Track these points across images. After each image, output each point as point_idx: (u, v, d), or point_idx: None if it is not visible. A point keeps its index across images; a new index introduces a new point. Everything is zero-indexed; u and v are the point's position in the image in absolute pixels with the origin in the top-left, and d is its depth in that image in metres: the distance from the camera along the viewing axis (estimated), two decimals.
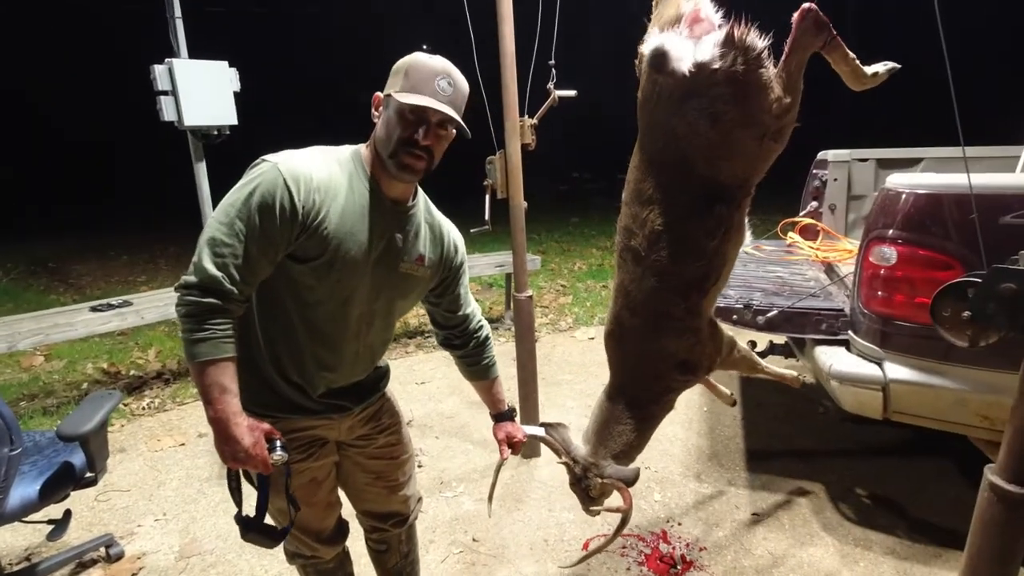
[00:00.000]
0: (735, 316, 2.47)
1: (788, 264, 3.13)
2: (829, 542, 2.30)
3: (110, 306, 3.40)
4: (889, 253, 2.08)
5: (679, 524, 2.44)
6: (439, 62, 1.28)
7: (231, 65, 3.53)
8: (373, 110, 1.32)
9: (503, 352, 4.39)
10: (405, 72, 1.25)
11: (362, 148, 1.33)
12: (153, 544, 2.37)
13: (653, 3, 1.53)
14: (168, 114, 3.32)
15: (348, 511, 1.67)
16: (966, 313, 1.21)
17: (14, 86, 11.93)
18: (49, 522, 1.91)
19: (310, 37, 14.36)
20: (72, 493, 1.92)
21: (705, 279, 1.54)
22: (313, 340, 1.33)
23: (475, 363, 1.67)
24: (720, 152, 1.40)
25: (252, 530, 1.28)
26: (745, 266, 3.09)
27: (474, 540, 2.37)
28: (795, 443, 3.02)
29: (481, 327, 1.66)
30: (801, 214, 3.55)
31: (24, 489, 1.77)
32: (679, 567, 2.20)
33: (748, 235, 1.66)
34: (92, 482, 1.91)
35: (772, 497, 2.60)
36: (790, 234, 3.51)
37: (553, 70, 2.65)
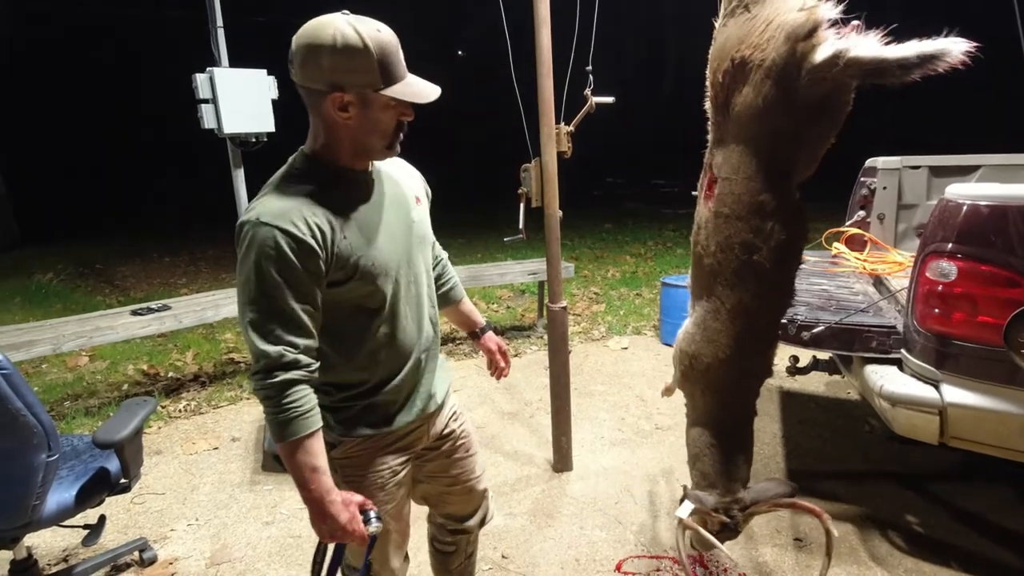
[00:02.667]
0: (779, 331, 2.36)
1: (833, 277, 2.99)
2: (878, 573, 2.17)
3: (149, 310, 3.48)
4: (948, 268, 1.95)
5: None
6: (389, 34, 1.14)
7: (269, 73, 3.58)
8: (338, 110, 1.13)
9: (535, 360, 4.35)
10: (378, 62, 1.11)
11: (306, 150, 1.22)
12: (185, 549, 2.38)
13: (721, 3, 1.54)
14: (208, 122, 3.38)
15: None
16: None
17: (59, 95, 12.43)
18: (85, 527, 1.93)
19: None
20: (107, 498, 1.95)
21: (792, 291, 1.69)
22: (390, 335, 1.30)
23: (444, 285, 1.66)
24: (814, 152, 1.51)
25: None
26: None
27: (503, 557, 2.32)
28: (840, 464, 2.87)
29: (441, 251, 1.64)
30: (847, 224, 3.40)
31: (61, 494, 1.80)
32: None
33: None
34: (126, 488, 1.93)
35: (815, 522, 2.46)
36: (835, 244, 3.36)
37: (591, 76, 2.59)
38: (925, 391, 2.00)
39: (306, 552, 2.17)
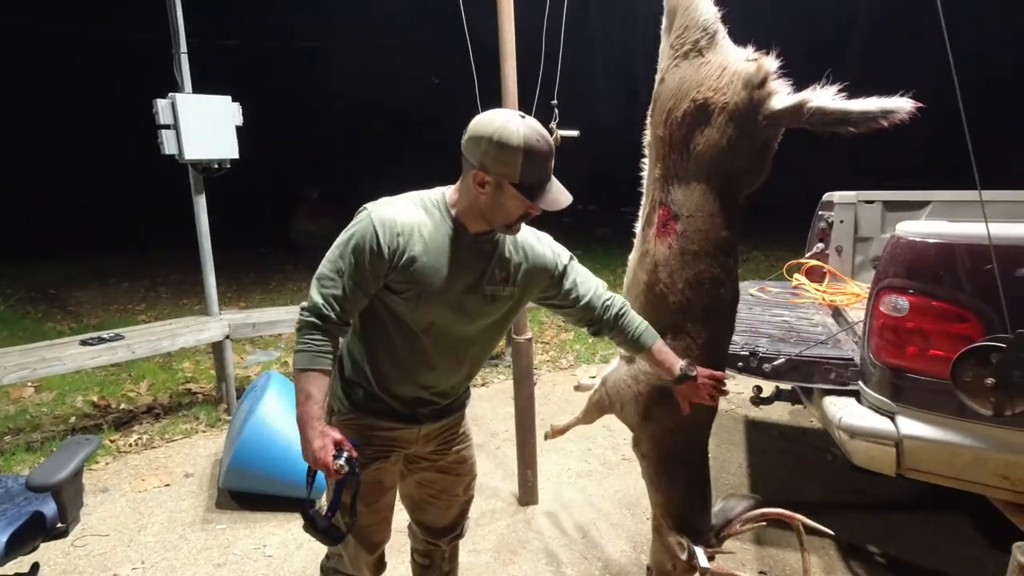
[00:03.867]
0: (740, 364, 2.39)
1: (794, 308, 3.05)
2: None
3: (100, 340, 3.33)
4: (901, 303, 2.00)
5: None
6: (544, 143, 1.34)
7: (235, 100, 3.54)
8: (476, 184, 1.35)
9: (502, 390, 4.31)
10: (523, 161, 1.30)
11: (448, 192, 1.46)
12: None
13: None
14: (169, 147, 3.32)
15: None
16: (990, 380, 1.13)
17: (18, 114, 12.06)
18: None
19: (320, 69, 14.55)
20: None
21: None
22: (413, 358, 1.49)
23: (625, 336, 1.65)
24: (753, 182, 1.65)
25: (313, 525, 1.41)
26: (751, 309, 3.01)
27: None
28: (804, 494, 2.89)
29: (609, 303, 1.65)
30: (807, 255, 3.49)
31: None
32: None
33: None
34: (63, 533, 1.81)
35: (779, 553, 2.47)
36: (796, 276, 3.44)
37: (556, 110, 2.62)
38: (882, 423, 2.03)
39: None
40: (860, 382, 2.18)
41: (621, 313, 1.64)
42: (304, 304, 1.39)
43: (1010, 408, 1.14)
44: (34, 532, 1.78)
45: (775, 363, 2.33)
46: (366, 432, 1.52)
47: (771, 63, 1.47)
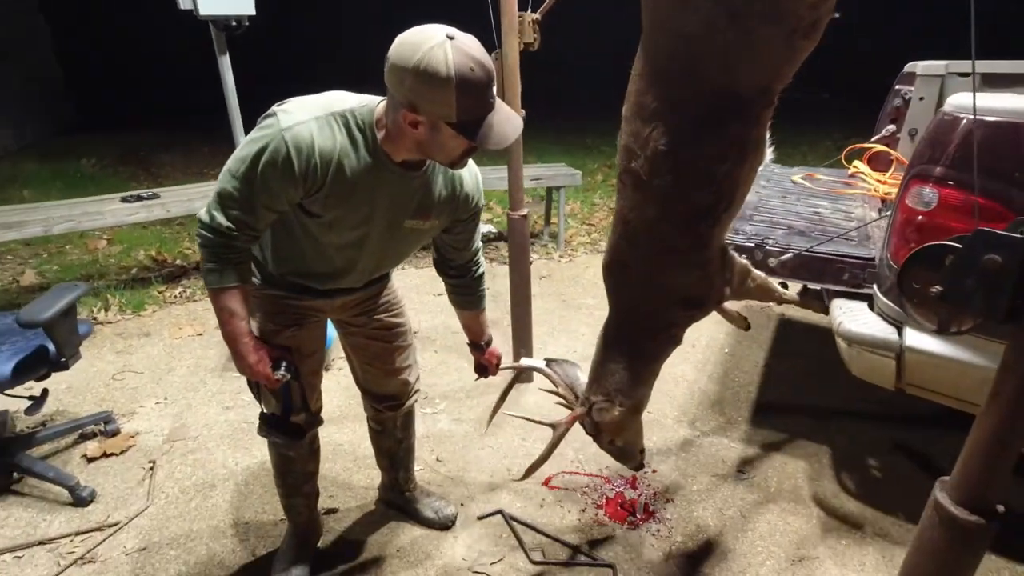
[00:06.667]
0: (744, 256, 2.14)
1: (837, 199, 2.68)
2: (815, 513, 2.08)
3: (139, 198, 3.54)
4: (930, 195, 1.68)
5: (653, 471, 2.29)
6: (480, 70, 1.13)
7: None
8: (408, 125, 1.19)
9: (534, 270, 4.24)
10: (456, 98, 1.11)
11: (376, 111, 1.28)
12: (148, 425, 2.54)
13: None
14: (185, 2, 3.23)
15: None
16: (936, 288, 0.91)
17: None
18: (30, 398, 2.06)
19: None
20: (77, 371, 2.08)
21: (715, 207, 1.36)
22: (320, 261, 1.44)
23: (466, 294, 1.73)
24: (740, 55, 1.17)
25: (275, 428, 1.49)
26: (784, 198, 2.68)
27: (438, 460, 2.36)
28: (817, 399, 2.71)
29: (478, 263, 1.70)
30: (873, 139, 3.00)
31: None
32: (638, 516, 2.08)
33: (769, 153, 1.44)
34: (64, 367, 2.02)
35: (766, 455, 2.37)
36: (855, 163, 2.99)
37: None
38: (885, 331, 1.80)
39: (255, 438, 2.27)
40: (875, 286, 1.92)
41: (482, 274, 1.72)
42: (204, 219, 1.26)
43: (956, 325, 0.92)
44: (38, 363, 1.99)
45: (782, 258, 2.08)
46: (278, 302, 1.51)
47: None
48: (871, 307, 1.94)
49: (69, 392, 2.77)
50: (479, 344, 1.85)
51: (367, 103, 1.29)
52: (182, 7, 3.25)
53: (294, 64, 11.92)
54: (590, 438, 1.77)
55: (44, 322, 1.85)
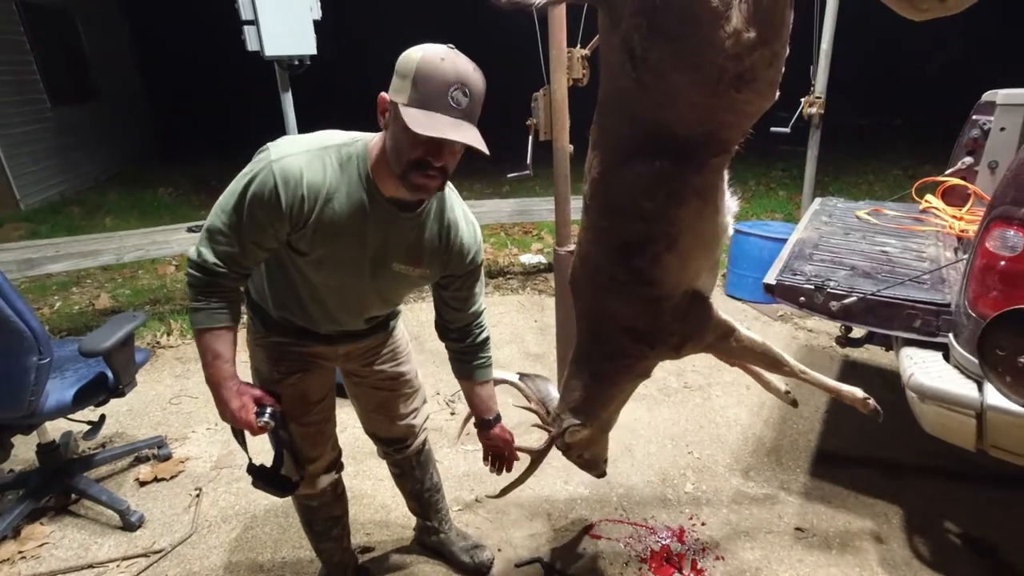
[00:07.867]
0: (802, 298, 2.03)
1: (907, 237, 2.50)
2: None
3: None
4: (1015, 240, 1.53)
5: (703, 524, 2.16)
6: (451, 67, 1.12)
7: None
8: (379, 114, 1.21)
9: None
10: (413, 80, 1.12)
11: (371, 143, 1.28)
12: (198, 451, 2.61)
13: None
14: (252, 44, 3.41)
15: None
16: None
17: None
18: (88, 423, 2.15)
19: None
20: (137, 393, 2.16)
21: (649, 244, 1.37)
22: (315, 303, 1.41)
23: (468, 361, 1.62)
24: (658, 98, 1.16)
25: (261, 480, 1.43)
26: (847, 235, 2.52)
27: (476, 500, 2.31)
28: (884, 451, 2.50)
29: (481, 327, 1.61)
30: (947, 172, 2.80)
31: (60, 393, 1.98)
32: (685, 573, 1.95)
33: (732, 203, 1.45)
34: (121, 394, 2.10)
35: (828, 512, 2.20)
36: (927, 197, 2.80)
37: None
38: (963, 387, 1.64)
39: None
40: (951, 335, 1.76)
41: (485, 339, 1.62)
42: (192, 256, 1.25)
43: None
44: (98, 390, 2.07)
45: (845, 301, 1.95)
46: (282, 348, 1.48)
47: None
48: (946, 358, 1.78)
49: (129, 414, 2.88)
50: (487, 420, 1.69)
51: (360, 138, 1.30)
52: (250, 48, 3.44)
53: (358, 101, 12.41)
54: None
55: (104, 351, 1.93)
